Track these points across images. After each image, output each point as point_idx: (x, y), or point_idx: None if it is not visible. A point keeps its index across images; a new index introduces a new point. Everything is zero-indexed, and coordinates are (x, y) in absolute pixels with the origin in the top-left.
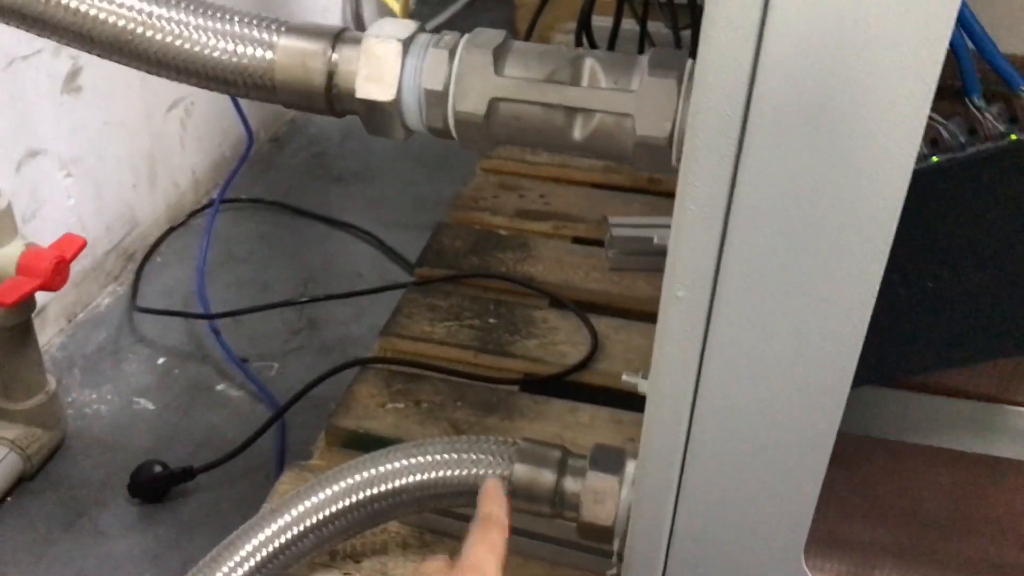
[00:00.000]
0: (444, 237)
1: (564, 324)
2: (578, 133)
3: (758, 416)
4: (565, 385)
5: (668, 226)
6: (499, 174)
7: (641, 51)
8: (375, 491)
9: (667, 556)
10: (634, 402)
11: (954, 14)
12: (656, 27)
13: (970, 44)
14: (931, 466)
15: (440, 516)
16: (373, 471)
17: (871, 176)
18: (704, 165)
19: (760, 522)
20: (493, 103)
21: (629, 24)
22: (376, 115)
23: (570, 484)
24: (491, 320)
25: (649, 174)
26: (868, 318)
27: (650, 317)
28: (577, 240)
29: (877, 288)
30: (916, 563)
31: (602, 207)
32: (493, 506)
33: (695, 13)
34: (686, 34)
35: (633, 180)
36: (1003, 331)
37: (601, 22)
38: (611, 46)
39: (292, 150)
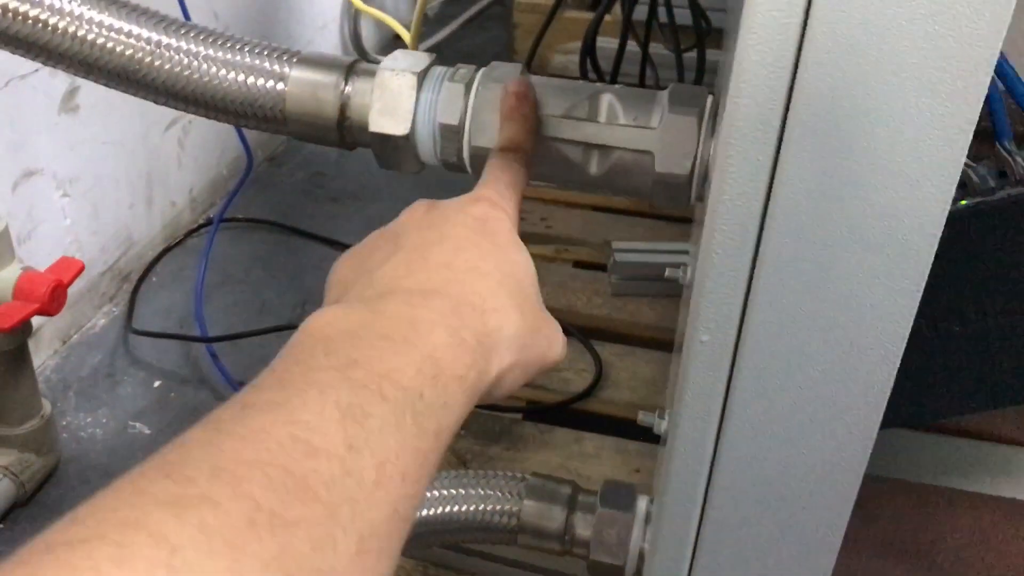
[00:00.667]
0: None
1: (567, 351)
2: (595, 169)
3: (783, 462)
4: (569, 413)
5: (672, 251)
6: None
7: (642, 73)
8: None
9: None
10: (639, 432)
11: (993, 63)
12: (656, 48)
13: (1001, 87)
14: (950, 509)
15: (446, 550)
16: None
17: (905, 221)
18: (731, 208)
19: (783, 564)
20: None
21: (630, 46)
22: (389, 149)
23: (580, 521)
24: None
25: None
26: (898, 362)
27: (654, 344)
28: (579, 264)
29: (908, 332)
30: None
31: (604, 231)
32: (516, 127)
33: (700, 37)
34: (688, 56)
35: (636, 204)
36: None
37: (602, 43)
38: (615, 70)
39: (289, 170)
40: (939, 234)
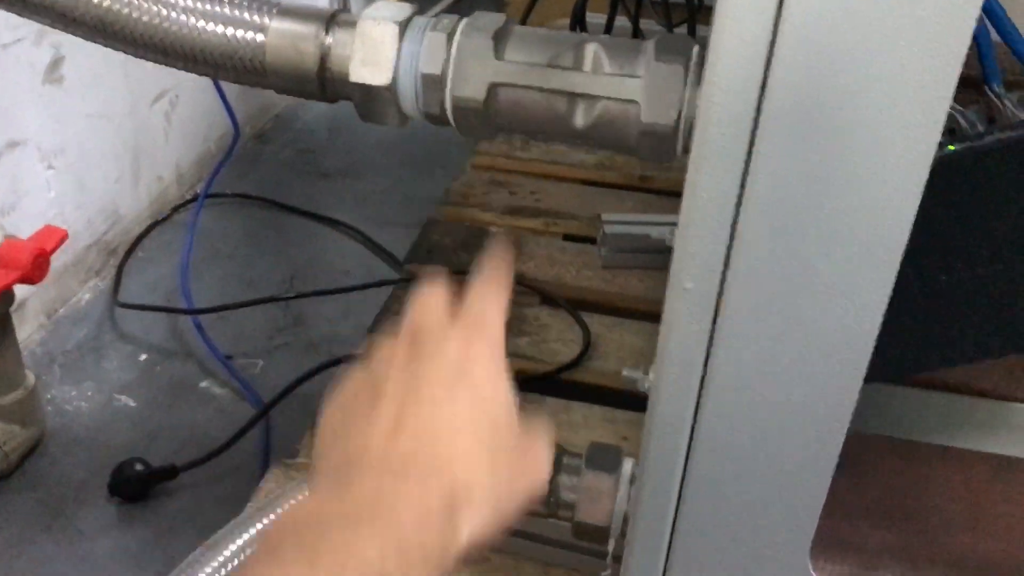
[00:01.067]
0: (434, 234)
1: (555, 322)
2: (580, 120)
3: (766, 412)
4: (557, 384)
5: (662, 223)
6: (490, 170)
7: None
8: None
9: (668, 556)
10: (628, 401)
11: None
12: (648, 24)
13: (992, 31)
14: (939, 465)
15: None
16: None
17: (890, 166)
18: (715, 153)
19: (766, 521)
20: (493, 88)
21: (621, 21)
22: (370, 100)
23: (565, 483)
24: None
25: (641, 172)
26: (883, 312)
27: (643, 315)
28: (568, 237)
29: (893, 281)
30: (922, 564)
31: (594, 205)
32: (499, 263)
33: (692, 11)
34: (679, 32)
35: (625, 178)
36: (1017, 326)
37: (593, 18)
38: None
39: (278, 146)
40: (924, 179)
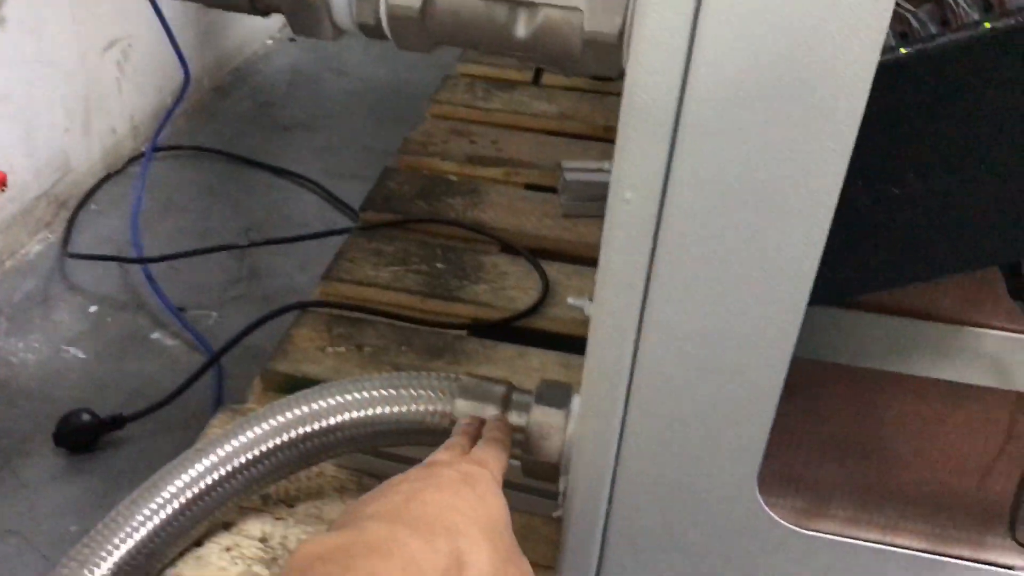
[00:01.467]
0: (391, 182)
1: (514, 269)
2: (522, 30)
3: (709, 334)
4: (515, 330)
5: None
6: (449, 120)
7: None
8: (309, 429)
9: (612, 491)
10: (584, 347)
11: None
12: None
13: None
14: (891, 393)
15: (380, 459)
16: (307, 408)
17: (832, 67)
18: (653, 56)
19: (712, 450)
20: None
21: None
22: (302, 10)
23: (515, 419)
24: (439, 265)
25: (604, 122)
26: (827, 226)
27: None
28: (530, 187)
29: (837, 193)
30: (873, 496)
31: (556, 154)
32: (500, 433)
33: None
34: None
35: (588, 127)
36: (973, 241)
37: None
38: None
39: (237, 98)
40: (869, 80)
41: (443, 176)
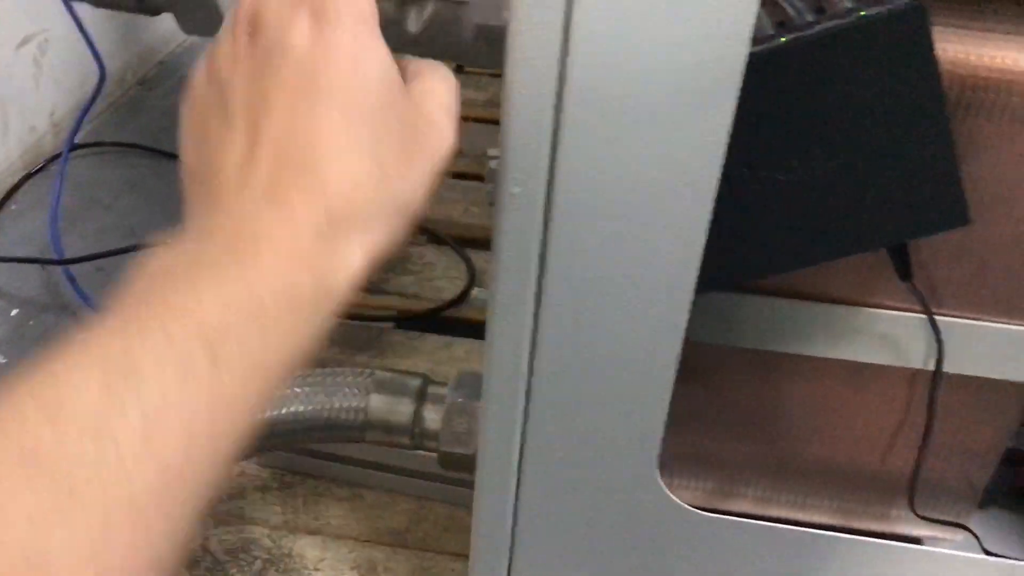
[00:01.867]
0: None
1: (441, 259)
2: (413, 26)
3: (601, 322)
4: (442, 321)
5: None
6: None
7: None
8: None
9: (519, 481)
10: None
11: None
12: None
13: None
14: (791, 375)
15: (301, 456)
16: None
17: (702, 52)
18: (530, 52)
19: (610, 438)
20: None
21: None
22: (191, 8)
23: (430, 413)
24: None
25: None
26: (708, 216)
27: None
28: (457, 175)
29: (716, 184)
30: (779, 475)
31: (483, 143)
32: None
33: None
34: None
35: None
36: (858, 224)
37: None
38: None
39: (163, 92)
40: (741, 66)
41: None
